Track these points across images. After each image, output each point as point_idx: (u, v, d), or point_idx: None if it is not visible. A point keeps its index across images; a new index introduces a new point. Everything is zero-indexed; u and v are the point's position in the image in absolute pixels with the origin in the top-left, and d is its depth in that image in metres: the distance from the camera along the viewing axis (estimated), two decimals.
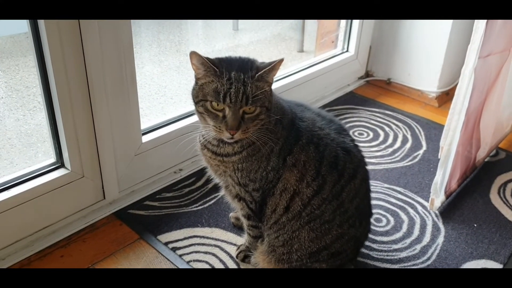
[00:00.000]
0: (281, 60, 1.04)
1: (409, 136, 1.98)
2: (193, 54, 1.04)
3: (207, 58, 1.04)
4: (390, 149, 1.88)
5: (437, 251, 1.38)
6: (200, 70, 1.06)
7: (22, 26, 1.20)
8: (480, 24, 1.31)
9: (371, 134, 1.98)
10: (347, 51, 2.29)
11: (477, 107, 1.53)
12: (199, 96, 1.07)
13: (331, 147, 1.13)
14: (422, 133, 2.00)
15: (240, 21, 3.47)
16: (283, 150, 1.12)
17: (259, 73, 1.04)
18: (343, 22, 2.23)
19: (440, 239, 1.43)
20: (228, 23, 3.49)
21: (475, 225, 1.49)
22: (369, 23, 2.25)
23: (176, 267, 1.30)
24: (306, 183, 1.11)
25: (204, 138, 1.17)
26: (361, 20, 2.20)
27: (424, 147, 1.90)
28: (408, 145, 1.92)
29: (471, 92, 1.39)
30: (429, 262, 1.35)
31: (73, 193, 1.36)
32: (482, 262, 1.35)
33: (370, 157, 1.83)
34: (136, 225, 1.43)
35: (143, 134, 1.51)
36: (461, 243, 1.42)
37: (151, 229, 1.42)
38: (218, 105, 1.03)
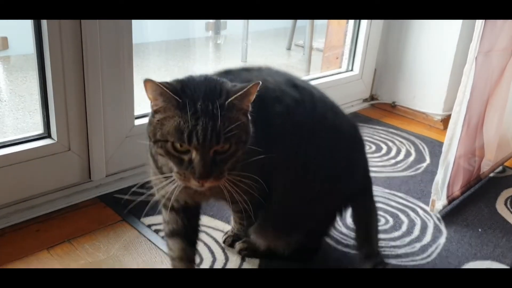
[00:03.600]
0: (257, 84, 0.83)
1: (412, 151, 1.92)
2: (148, 83, 0.81)
3: (166, 86, 0.81)
4: (393, 160, 1.82)
5: (438, 250, 1.29)
6: (158, 101, 0.83)
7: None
8: (480, 21, 1.30)
9: (374, 147, 1.93)
10: (351, 70, 2.28)
11: (480, 109, 1.48)
12: (157, 135, 0.84)
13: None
14: (426, 149, 1.94)
15: (249, 53, 3.54)
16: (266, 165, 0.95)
17: (230, 99, 0.82)
18: (348, 38, 2.24)
19: (442, 240, 1.33)
20: (237, 57, 3.56)
21: (480, 229, 1.40)
22: (374, 44, 2.26)
23: (156, 247, 1.22)
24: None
25: None
26: (366, 40, 2.20)
27: (428, 161, 1.83)
28: (411, 158, 1.85)
29: (473, 85, 1.35)
30: (429, 260, 1.25)
31: (58, 167, 1.31)
32: (487, 263, 1.25)
33: (372, 166, 1.75)
34: (121, 208, 1.37)
35: (137, 118, 1.48)
36: (464, 244, 1.32)
37: (135, 212, 1.35)
38: (181, 146, 0.82)
